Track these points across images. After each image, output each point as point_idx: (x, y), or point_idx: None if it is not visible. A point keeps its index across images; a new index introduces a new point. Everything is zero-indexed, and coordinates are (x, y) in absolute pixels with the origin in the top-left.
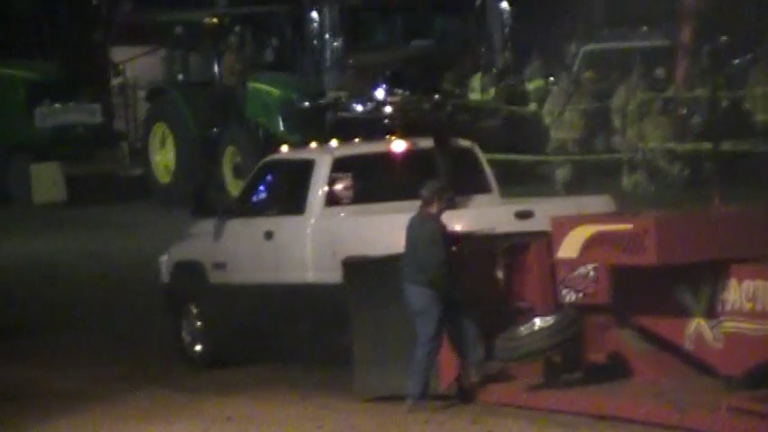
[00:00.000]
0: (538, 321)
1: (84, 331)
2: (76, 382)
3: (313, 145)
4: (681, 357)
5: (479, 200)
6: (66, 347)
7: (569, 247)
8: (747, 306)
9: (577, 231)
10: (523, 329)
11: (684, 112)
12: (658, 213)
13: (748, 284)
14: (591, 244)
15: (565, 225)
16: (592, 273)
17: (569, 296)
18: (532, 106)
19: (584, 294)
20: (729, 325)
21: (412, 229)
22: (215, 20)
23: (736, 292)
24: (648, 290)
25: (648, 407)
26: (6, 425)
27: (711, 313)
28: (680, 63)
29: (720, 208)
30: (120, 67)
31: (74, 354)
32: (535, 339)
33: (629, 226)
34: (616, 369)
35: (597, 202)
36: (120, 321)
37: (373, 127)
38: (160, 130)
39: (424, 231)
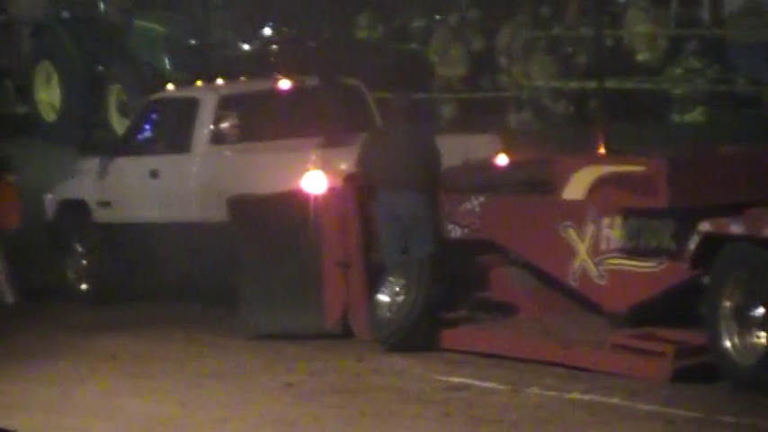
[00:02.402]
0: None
1: None
2: None
3: (199, 83)
4: (566, 294)
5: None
6: None
7: (575, 188)
8: (631, 244)
9: (584, 172)
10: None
11: (570, 50)
12: (672, 154)
13: (632, 222)
14: (599, 185)
15: (569, 164)
16: (477, 208)
17: (454, 231)
18: (414, 45)
19: (470, 230)
20: (613, 262)
21: (402, 137)
22: None
23: (621, 230)
24: (534, 226)
25: (533, 343)
26: None
27: (596, 251)
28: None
29: (733, 149)
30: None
31: None
32: (403, 316)
33: (640, 167)
34: (501, 307)
35: (484, 141)
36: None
37: (260, 65)
38: (45, 67)
39: (423, 134)
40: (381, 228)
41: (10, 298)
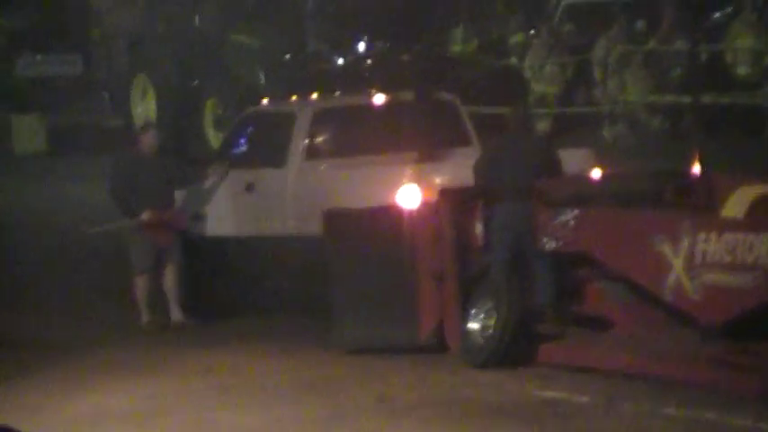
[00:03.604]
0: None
1: (66, 281)
2: (60, 332)
3: (294, 97)
4: (660, 308)
5: (460, 152)
6: (47, 298)
7: (735, 207)
8: (727, 258)
9: (743, 191)
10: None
11: (665, 64)
12: None
13: (728, 237)
14: (758, 205)
15: (728, 182)
16: (572, 221)
17: (549, 244)
18: (513, 60)
19: (564, 243)
20: (708, 276)
21: (522, 149)
22: None
23: (716, 244)
24: (628, 240)
25: (627, 357)
26: None
27: (691, 265)
28: (666, 15)
29: None
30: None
31: (56, 304)
32: (494, 342)
33: None
34: (595, 321)
35: (578, 155)
36: (101, 272)
37: (354, 79)
38: (141, 81)
39: (544, 146)
40: (494, 238)
41: (178, 315)
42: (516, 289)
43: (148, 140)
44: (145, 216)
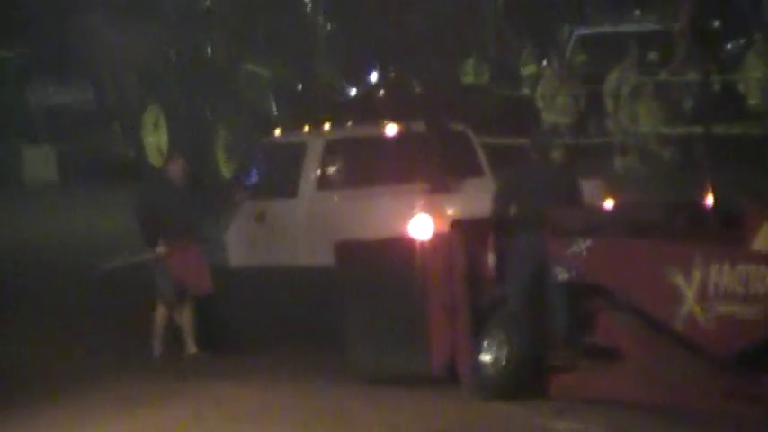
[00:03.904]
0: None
1: (75, 314)
2: (70, 364)
3: (306, 128)
4: (673, 339)
5: (472, 183)
6: (57, 330)
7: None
8: (740, 290)
9: None
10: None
11: (676, 96)
12: None
13: (740, 268)
14: None
15: (758, 213)
16: (584, 251)
17: (562, 275)
18: (525, 91)
19: (577, 273)
20: (721, 308)
21: (546, 178)
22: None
23: (729, 276)
24: (640, 270)
25: (639, 389)
26: (3, 406)
27: (703, 296)
28: (678, 47)
29: None
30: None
31: (65, 336)
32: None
33: None
34: (607, 352)
35: (589, 186)
36: (112, 304)
37: (366, 110)
38: (153, 111)
39: (567, 176)
40: (513, 268)
41: (192, 347)
42: (532, 320)
43: (176, 169)
44: (161, 249)
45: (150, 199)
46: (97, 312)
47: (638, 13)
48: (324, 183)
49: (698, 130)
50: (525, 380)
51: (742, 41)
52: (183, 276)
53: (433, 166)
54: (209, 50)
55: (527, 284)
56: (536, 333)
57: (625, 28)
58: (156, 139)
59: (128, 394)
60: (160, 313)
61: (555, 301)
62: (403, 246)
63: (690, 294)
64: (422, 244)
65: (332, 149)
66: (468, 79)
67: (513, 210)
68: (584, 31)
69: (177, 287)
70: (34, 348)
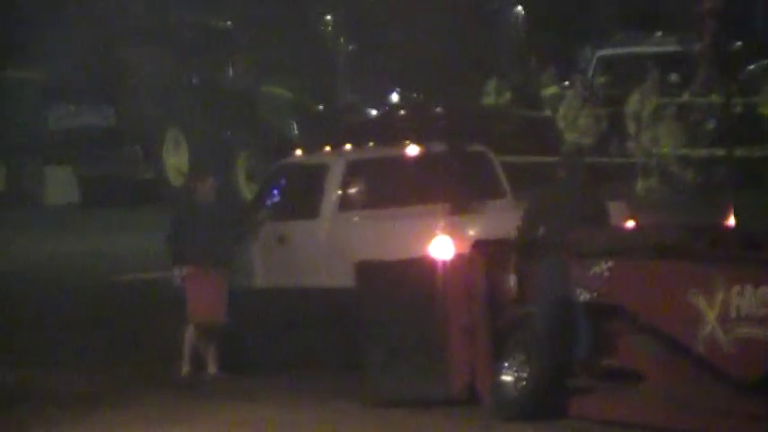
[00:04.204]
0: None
1: (92, 333)
2: (85, 384)
3: (326, 149)
4: (694, 362)
5: (493, 204)
6: (72, 349)
7: None
8: (762, 312)
9: None
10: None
11: (698, 117)
12: None
13: (762, 290)
14: None
15: None
16: (606, 273)
17: (583, 296)
18: (547, 112)
19: (598, 294)
20: (743, 330)
21: (577, 200)
22: (228, 23)
23: (751, 298)
24: (662, 292)
25: (660, 412)
26: (15, 428)
27: (725, 318)
28: (700, 68)
29: None
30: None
31: (81, 356)
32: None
33: None
34: (627, 374)
35: (611, 207)
36: (131, 324)
37: (387, 131)
38: (173, 133)
39: (597, 197)
40: (541, 288)
41: (213, 368)
42: (554, 341)
43: (205, 189)
44: (185, 271)
45: (180, 217)
46: (115, 331)
47: (659, 34)
48: (345, 204)
49: (719, 151)
50: (545, 401)
51: (764, 63)
52: (196, 303)
53: (454, 187)
54: (229, 72)
55: (553, 305)
56: (557, 354)
57: (646, 49)
58: (176, 160)
59: (148, 414)
60: (188, 332)
61: (576, 322)
62: (423, 266)
63: (711, 317)
64: (442, 265)
65: (353, 170)
66: (489, 100)
67: (541, 230)
68: (606, 51)
69: (190, 312)
70: (50, 368)
